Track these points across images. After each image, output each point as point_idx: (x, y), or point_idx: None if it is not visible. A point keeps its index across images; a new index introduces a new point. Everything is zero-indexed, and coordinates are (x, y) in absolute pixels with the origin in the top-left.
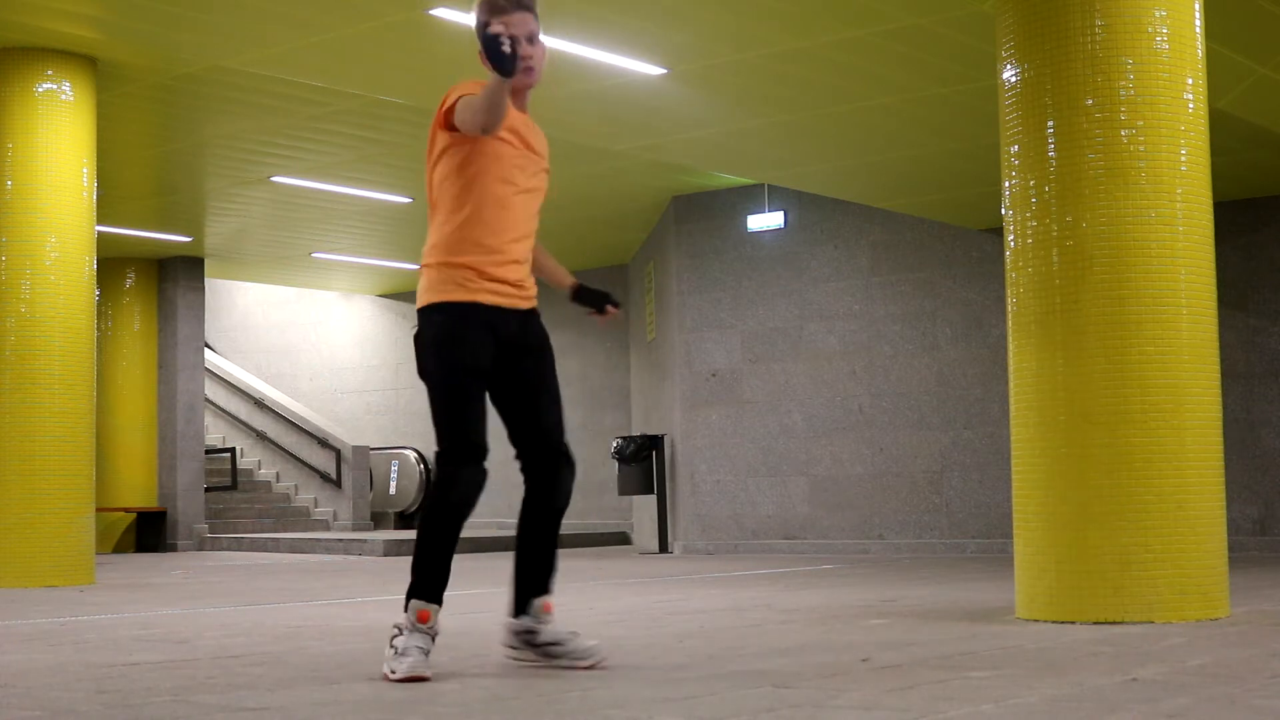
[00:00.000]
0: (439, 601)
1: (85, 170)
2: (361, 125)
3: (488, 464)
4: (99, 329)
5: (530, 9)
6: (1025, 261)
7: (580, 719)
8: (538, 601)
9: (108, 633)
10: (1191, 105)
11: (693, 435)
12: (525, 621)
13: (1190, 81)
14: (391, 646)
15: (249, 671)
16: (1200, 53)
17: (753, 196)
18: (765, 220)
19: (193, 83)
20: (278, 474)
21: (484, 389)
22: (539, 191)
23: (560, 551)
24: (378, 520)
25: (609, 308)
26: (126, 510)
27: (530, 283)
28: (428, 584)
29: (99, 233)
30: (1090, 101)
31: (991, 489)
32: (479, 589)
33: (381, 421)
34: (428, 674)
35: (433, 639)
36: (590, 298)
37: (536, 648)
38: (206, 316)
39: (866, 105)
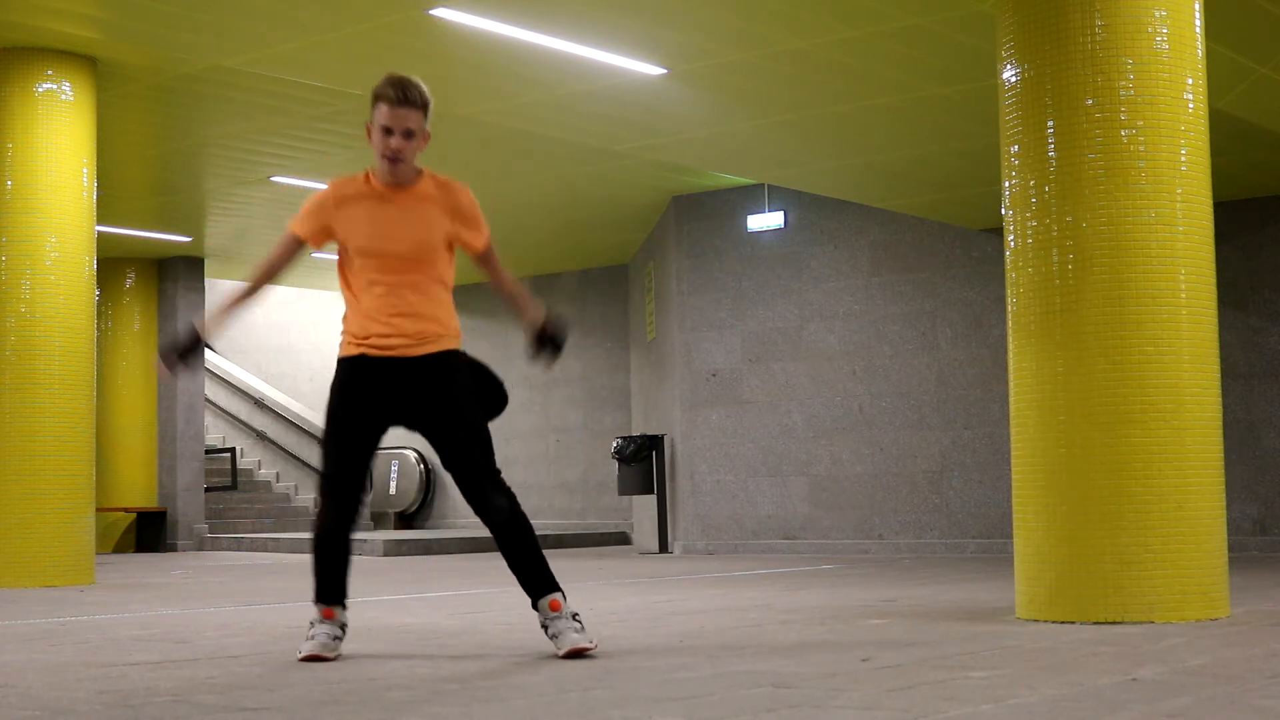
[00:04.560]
0: (335, 602)
1: (85, 170)
2: (361, 125)
3: None
4: (99, 329)
5: (417, 106)
6: (1025, 261)
7: (580, 719)
8: (543, 602)
9: (108, 633)
10: (1191, 105)
11: (693, 435)
12: (539, 616)
13: (1190, 81)
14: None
15: (249, 671)
16: (1200, 53)
17: (753, 196)
18: (765, 220)
19: (193, 83)
20: (278, 474)
21: (343, 429)
22: (399, 277)
23: (559, 551)
24: (378, 520)
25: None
26: (126, 510)
27: (415, 333)
28: (318, 590)
29: (99, 233)
30: (1090, 101)
31: (991, 489)
32: (479, 589)
33: None
34: (329, 655)
35: (341, 627)
36: (541, 343)
37: (549, 638)
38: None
39: (866, 105)
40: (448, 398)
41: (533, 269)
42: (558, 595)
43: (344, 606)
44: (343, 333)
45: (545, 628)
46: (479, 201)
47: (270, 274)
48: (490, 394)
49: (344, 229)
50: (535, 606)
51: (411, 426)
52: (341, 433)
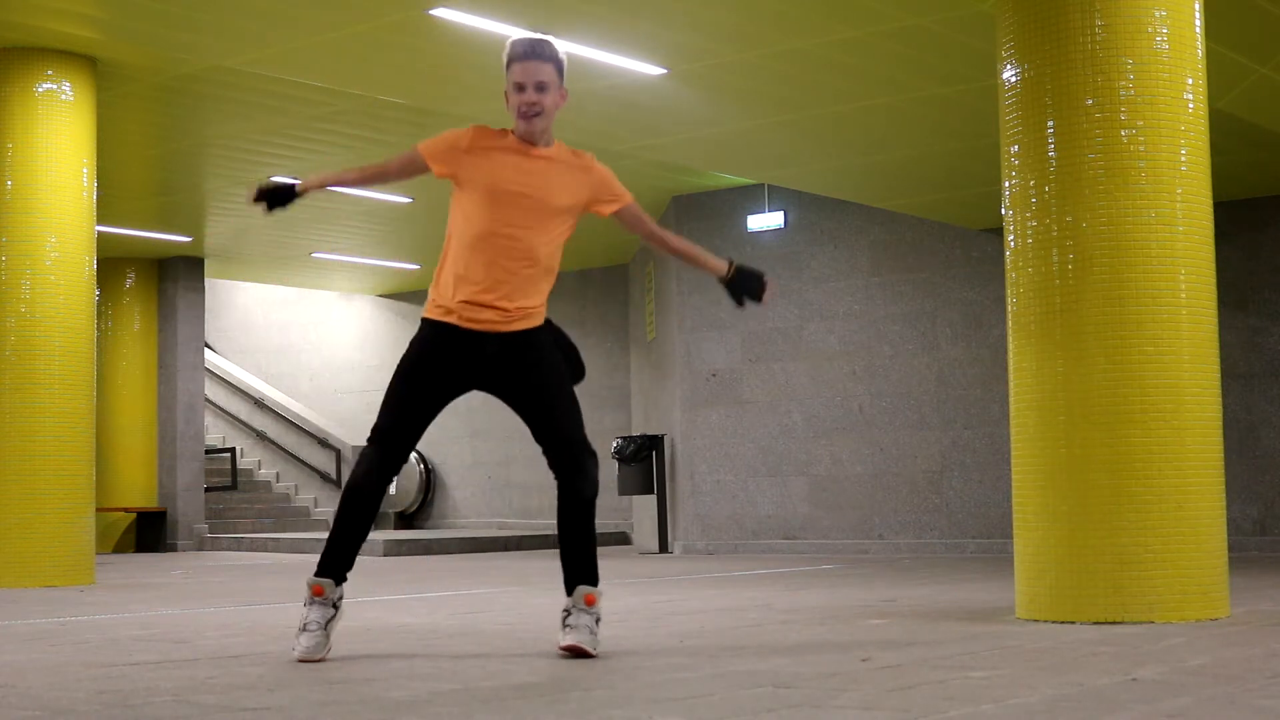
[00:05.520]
0: (331, 576)
1: (85, 170)
2: (361, 125)
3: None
4: (99, 329)
5: (547, 59)
6: (1025, 261)
7: (580, 719)
8: (581, 590)
9: (108, 633)
10: (1191, 105)
11: (693, 435)
12: (567, 602)
13: (1190, 81)
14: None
15: (249, 671)
16: (1200, 53)
17: (753, 196)
18: (765, 220)
19: (193, 83)
20: (278, 474)
21: (412, 388)
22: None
23: (559, 551)
24: (378, 520)
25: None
26: (126, 510)
27: (512, 310)
28: (325, 559)
29: (99, 233)
30: (1090, 101)
31: (991, 489)
32: (479, 589)
33: None
34: (317, 657)
35: (335, 607)
36: (739, 287)
37: (563, 627)
38: (206, 316)
39: (866, 105)
40: (541, 371)
41: None
42: (596, 591)
43: (341, 581)
44: (433, 292)
45: (567, 614)
46: None
47: (380, 176)
48: (571, 364)
49: (470, 171)
50: (570, 592)
51: (500, 395)
52: (409, 391)
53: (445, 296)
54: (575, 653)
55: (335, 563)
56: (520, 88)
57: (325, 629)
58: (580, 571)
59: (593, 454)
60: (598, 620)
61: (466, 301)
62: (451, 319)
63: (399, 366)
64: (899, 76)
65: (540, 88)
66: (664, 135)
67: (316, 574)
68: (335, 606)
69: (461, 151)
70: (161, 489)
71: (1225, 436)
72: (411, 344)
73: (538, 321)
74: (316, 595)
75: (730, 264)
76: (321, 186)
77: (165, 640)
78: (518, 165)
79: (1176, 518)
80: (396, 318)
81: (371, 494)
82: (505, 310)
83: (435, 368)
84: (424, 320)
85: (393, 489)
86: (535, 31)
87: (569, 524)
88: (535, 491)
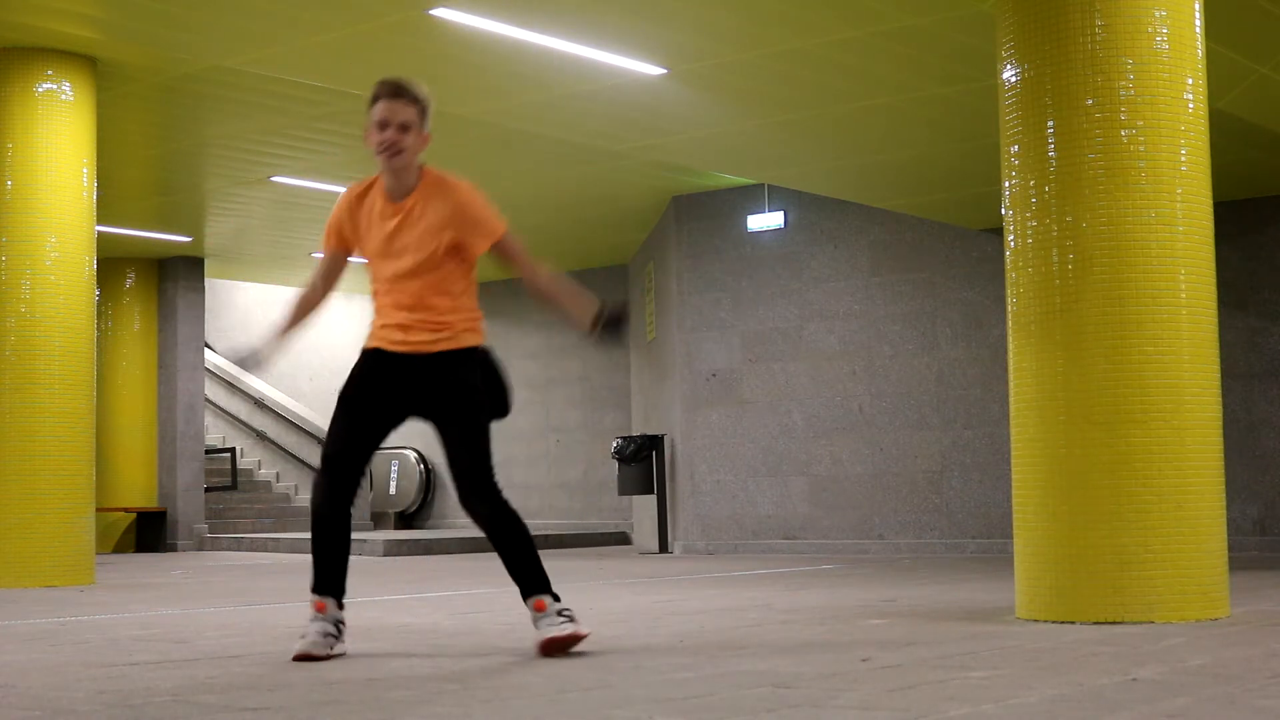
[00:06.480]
0: (330, 594)
1: (85, 170)
2: (361, 125)
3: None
4: (99, 329)
5: (411, 100)
6: (1025, 261)
7: (580, 719)
8: (529, 602)
9: (108, 633)
10: (1191, 105)
11: (693, 435)
12: (529, 617)
13: (1190, 81)
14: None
15: (249, 671)
16: (1200, 53)
17: (753, 196)
18: (765, 220)
19: (193, 83)
20: (278, 474)
21: (351, 411)
22: (401, 256)
23: (560, 551)
24: (378, 520)
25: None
26: (126, 510)
27: (428, 334)
28: (315, 579)
29: (99, 233)
30: (1090, 101)
31: (991, 489)
32: (479, 589)
33: None
34: (319, 653)
35: (336, 624)
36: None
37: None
38: (206, 316)
39: (867, 105)
40: (444, 398)
41: None
42: (543, 596)
43: (340, 602)
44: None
45: (535, 625)
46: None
47: (312, 294)
48: (494, 398)
49: (354, 238)
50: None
51: (427, 421)
52: (349, 415)
53: (374, 325)
54: (556, 645)
55: (326, 579)
56: (382, 125)
57: (323, 637)
58: (521, 584)
59: (475, 484)
60: (560, 613)
61: (389, 332)
62: (378, 344)
63: (339, 394)
64: (899, 76)
65: (403, 128)
66: (664, 135)
67: (313, 589)
68: (337, 629)
69: (345, 219)
70: (161, 489)
71: (1225, 436)
72: (350, 373)
73: (465, 341)
74: (319, 611)
75: (599, 315)
76: (279, 341)
77: (165, 640)
78: (383, 228)
79: (1176, 518)
80: None
81: (337, 519)
82: (422, 334)
83: (369, 389)
84: (361, 351)
85: (393, 489)
86: (533, 32)
87: (496, 542)
88: (535, 492)
